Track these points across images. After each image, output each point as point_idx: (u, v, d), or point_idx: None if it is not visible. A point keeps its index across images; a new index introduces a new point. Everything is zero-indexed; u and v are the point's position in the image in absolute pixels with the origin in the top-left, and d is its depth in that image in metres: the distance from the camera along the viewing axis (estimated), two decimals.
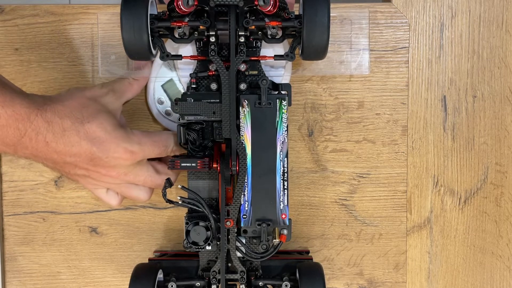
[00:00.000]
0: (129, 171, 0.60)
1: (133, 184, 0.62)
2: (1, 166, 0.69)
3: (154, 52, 0.59)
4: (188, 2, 0.56)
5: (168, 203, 0.60)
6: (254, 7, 0.57)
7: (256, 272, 0.63)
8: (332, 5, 0.57)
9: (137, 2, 0.56)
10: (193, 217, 0.61)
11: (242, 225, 0.60)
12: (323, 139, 0.69)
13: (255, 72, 0.61)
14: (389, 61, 0.69)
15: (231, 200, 0.60)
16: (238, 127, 0.59)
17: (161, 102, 0.66)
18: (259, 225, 0.59)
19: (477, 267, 0.72)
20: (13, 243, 0.70)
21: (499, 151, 0.70)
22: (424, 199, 0.70)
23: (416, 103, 0.69)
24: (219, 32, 0.58)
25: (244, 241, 0.61)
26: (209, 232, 0.60)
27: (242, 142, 0.59)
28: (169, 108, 0.66)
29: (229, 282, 0.62)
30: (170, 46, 0.62)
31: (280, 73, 0.64)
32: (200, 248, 0.60)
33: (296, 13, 0.58)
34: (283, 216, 0.60)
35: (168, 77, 0.65)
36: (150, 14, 0.57)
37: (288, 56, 0.59)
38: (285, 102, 0.59)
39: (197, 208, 0.60)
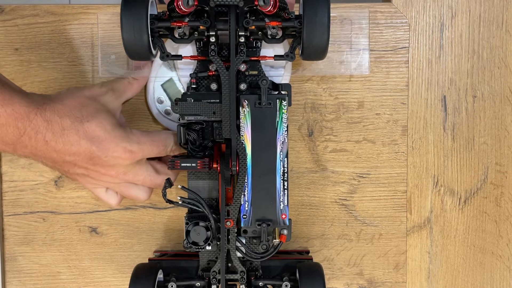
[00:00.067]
0: (128, 171, 0.60)
1: (133, 184, 0.62)
2: (1, 166, 0.69)
3: (154, 52, 0.59)
4: (188, 2, 0.56)
5: (168, 203, 0.59)
6: (254, 7, 0.57)
7: (256, 272, 0.63)
8: (332, 5, 0.57)
9: (137, 2, 0.56)
10: (193, 217, 0.61)
11: (242, 225, 0.60)
12: (323, 139, 0.69)
13: (255, 72, 0.61)
14: (389, 61, 0.69)
15: (231, 200, 0.60)
16: (238, 127, 0.59)
17: (160, 102, 0.66)
18: (259, 225, 0.59)
19: (477, 267, 0.72)
20: (13, 243, 0.70)
21: (499, 151, 0.70)
22: (424, 199, 0.70)
23: (416, 103, 0.69)
24: (219, 32, 0.58)
25: (244, 241, 0.61)
26: (209, 232, 0.60)
27: (242, 142, 0.59)
28: (169, 108, 0.66)
29: (229, 282, 0.62)
30: (170, 46, 0.62)
31: (280, 73, 0.64)
32: (200, 248, 0.60)
33: (296, 13, 0.58)
34: (283, 216, 0.60)
35: (167, 77, 0.65)
36: (150, 14, 0.57)
37: (288, 56, 0.59)
38: (285, 102, 0.59)
39: (197, 208, 0.60)
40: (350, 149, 0.70)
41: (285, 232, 0.60)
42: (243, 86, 0.59)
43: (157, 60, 0.63)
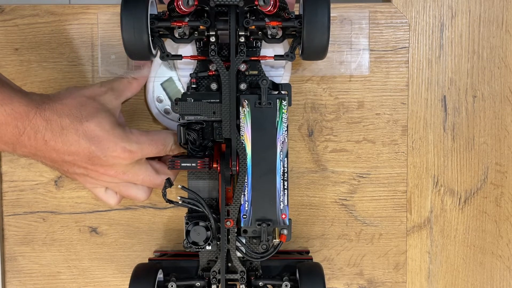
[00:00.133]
0: (128, 170, 0.60)
1: (132, 184, 0.62)
2: (1, 166, 0.69)
3: (154, 52, 0.59)
4: (188, 2, 0.56)
5: (168, 203, 0.59)
6: (254, 7, 0.57)
7: (256, 272, 0.63)
8: (332, 5, 0.57)
9: (137, 2, 0.56)
10: (193, 217, 0.61)
11: (242, 225, 0.60)
12: (323, 139, 0.69)
13: (255, 72, 0.61)
14: (389, 61, 0.69)
15: (231, 200, 0.60)
16: (238, 127, 0.59)
17: (160, 101, 0.66)
18: (259, 225, 0.59)
19: (477, 267, 0.72)
20: (13, 243, 0.70)
21: (499, 151, 0.70)
22: (424, 199, 0.70)
23: (416, 103, 0.69)
24: (219, 32, 0.58)
25: (244, 241, 0.61)
26: (209, 232, 0.60)
27: (242, 142, 0.59)
28: (168, 107, 0.66)
29: (229, 282, 0.62)
30: (170, 46, 0.62)
31: (280, 73, 0.64)
32: (200, 248, 0.60)
33: (296, 13, 0.58)
34: (283, 216, 0.60)
35: (167, 76, 0.65)
36: (150, 14, 0.57)
37: (288, 56, 0.59)
38: (285, 102, 0.59)
39: (197, 208, 0.60)
40: (350, 149, 0.70)
41: (285, 232, 0.60)
42: (243, 86, 0.59)
43: (157, 60, 0.63)
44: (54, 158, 0.57)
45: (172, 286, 0.60)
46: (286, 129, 0.59)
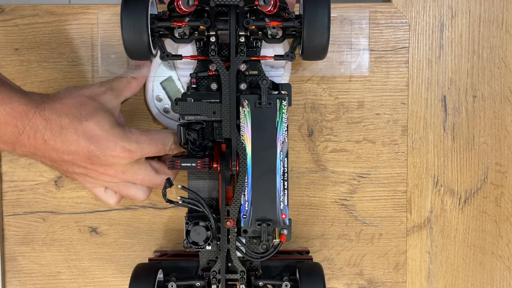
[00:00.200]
0: (127, 170, 0.60)
1: (131, 183, 0.62)
2: (1, 166, 0.69)
3: (154, 52, 0.59)
4: (188, 2, 0.56)
5: (168, 203, 0.59)
6: (255, 7, 0.57)
7: (256, 272, 0.63)
8: (332, 5, 0.57)
9: (137, 2, 0.56)
10: (193, 217, 0.61)
11: (242, 225, 0.60)
12: (323, 139, 0.69)
13: (255, 72, 0.61)
14: (389, 61, 0.69)
15: (231, 200, 0.60)
16: (238, 127, 0.59)
17: (159, 100, 0.66)
18: (259, 225, 0.59)
19: (477, 267, 0.72)
20: (13, 243, 0.70)
21: (499, 151, 0.70)
22: (424, 199, 0.70)
23: (416, 103, 0.69)
24: (219, 32, 0.58)
25: (244, 241, 0.61)
26: (209, 232, 0.60)
27: (242, 142, 0.59)
28: (168, 106, 0.66)
29: (229, 282, 0.62)
30: (170, 46, 0.62)
31: (280, 73, 0.64)
32: (200, 248, 0.60)
33: (297, 13, 0.58)
34: (283, 216, 0.60)
35: (166, 75, 0.65)
36: (150, 14, 0.57)
37: (288, 56, 0.59)
38: (285, 102, 0.59)
39: (197, 208, 0.60)
40: (350, 149, 0.70)
41: (285, 232, 0.60)
42: (243, 86, 0.59)
43: (156, 59, 0.63)
44: (53, 157, 0.57)
45: (172, 286, 0.60)
46: (286, 129, 0.59)
